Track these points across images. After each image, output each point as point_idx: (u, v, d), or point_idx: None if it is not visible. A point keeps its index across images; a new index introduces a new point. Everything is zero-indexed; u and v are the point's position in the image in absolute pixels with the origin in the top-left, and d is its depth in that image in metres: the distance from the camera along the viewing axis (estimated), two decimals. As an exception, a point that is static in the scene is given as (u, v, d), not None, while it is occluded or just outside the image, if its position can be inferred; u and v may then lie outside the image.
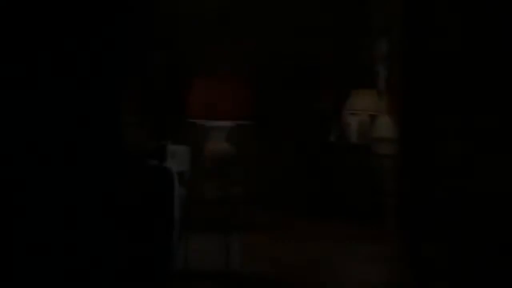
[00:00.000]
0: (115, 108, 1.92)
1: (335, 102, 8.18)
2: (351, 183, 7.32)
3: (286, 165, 8.30)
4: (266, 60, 8.28)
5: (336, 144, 7.74)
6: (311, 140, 8.22)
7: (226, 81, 4.05)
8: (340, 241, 5.96)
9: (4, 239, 1.87)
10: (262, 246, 5.65)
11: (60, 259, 1.94)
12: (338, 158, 7.50)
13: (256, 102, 7.98)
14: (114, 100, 1.92)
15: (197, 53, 8.15)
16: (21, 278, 1.90)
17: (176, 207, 3.84)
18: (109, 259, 2.49)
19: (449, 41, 5.24)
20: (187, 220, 4.54)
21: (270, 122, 8.29)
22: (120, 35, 2.13)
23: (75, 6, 1.95)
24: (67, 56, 1.93)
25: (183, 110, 4.13)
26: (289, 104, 8.39)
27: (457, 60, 4.79)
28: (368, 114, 7.57)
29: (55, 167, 1.89)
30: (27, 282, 1.92)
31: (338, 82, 8.28)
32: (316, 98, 8.37)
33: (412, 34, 6.64)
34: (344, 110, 7.75)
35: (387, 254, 5.25)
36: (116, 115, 1.93)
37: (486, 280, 3.54)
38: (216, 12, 8.22)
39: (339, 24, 8.31)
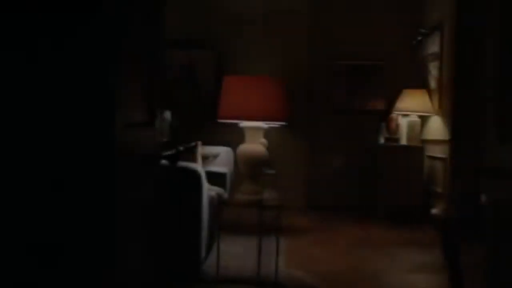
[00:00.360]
0: (109, 107, 1.82)
1: (385, 102, 7.98)
2: (399, 186, 7.08)
3: (329, 167, 8.14)
4: (314, 59, 8.14)
5: (385, 146, 7.50)
6: (359, 141, 8.04)
7: (259, 80, 3.92)
8: (384, 247, 5.73)
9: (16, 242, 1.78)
10: (301, 251, 5.49)
11: (80, 261, 1.85)
12: (386, 160, 7.26)
13: (295, 103, 7.91)
14: (109, 98, 1.81)
15: (237, 54, 8.08)
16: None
17: (204, 209, 3.74)
18: (137, 262, 2.40)
19: (502, 39, 4.97)
20: (221, 222, 4.43)
21: (311, 123, 8.15)
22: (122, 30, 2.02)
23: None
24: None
25: (217, 110, 4.02)
26: (334, 104, 8.23)
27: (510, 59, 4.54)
28: (418, 114, 7.32)
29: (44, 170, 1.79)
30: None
31: (388, 82, 8.07)
32: (365, 98, 8.19)
33: (464, 32, 6.39)
34: (394, 110, 7.50)
35: (434, 261, 5.01)
36: (110, 114, 1.83)
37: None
38: (261, 11, 8.12)
39: (389, 22, 8.09)
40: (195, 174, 3.61)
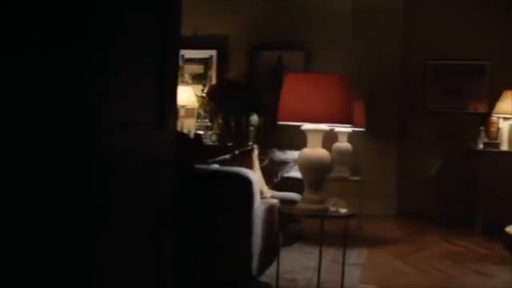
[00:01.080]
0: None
1: (486, 104, 7.41)
2: (499, 196, 6.48)
3: (421, 173, 7.67)
4: (407, 59, 7.70)
5: (483, 151, 6.92)
6: (455, 146, 7.51)
7: (323, 78, 3.61)
8: (475, 263, 5.21)
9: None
10: (381, 264, 5.10)
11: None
12: (485, 167, 6.69)
13: (385, 104, 7.50)
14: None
15: (325, 54, 7.79)
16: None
17: (256, 218, 3.47)
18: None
19: None
20: (284, 233, 4.16)
21: (402, 125, 7.72)
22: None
23: None
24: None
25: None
26: (428, 106, 7.76)
27: None
28: (521, 117, 6.72)
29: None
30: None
31: (490, 82, 7.50)
32: (465, 99, 7.68)
33: None
34: (494, 113, 6.92)
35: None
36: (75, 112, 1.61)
37: None
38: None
39: (491, 19, 7.52)
40: (245, 180, 3.35)
